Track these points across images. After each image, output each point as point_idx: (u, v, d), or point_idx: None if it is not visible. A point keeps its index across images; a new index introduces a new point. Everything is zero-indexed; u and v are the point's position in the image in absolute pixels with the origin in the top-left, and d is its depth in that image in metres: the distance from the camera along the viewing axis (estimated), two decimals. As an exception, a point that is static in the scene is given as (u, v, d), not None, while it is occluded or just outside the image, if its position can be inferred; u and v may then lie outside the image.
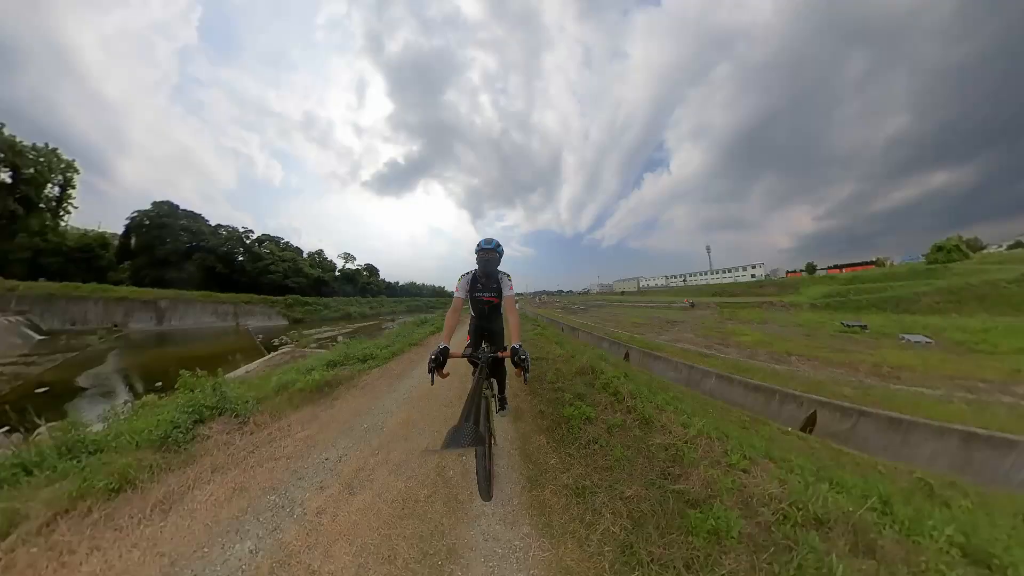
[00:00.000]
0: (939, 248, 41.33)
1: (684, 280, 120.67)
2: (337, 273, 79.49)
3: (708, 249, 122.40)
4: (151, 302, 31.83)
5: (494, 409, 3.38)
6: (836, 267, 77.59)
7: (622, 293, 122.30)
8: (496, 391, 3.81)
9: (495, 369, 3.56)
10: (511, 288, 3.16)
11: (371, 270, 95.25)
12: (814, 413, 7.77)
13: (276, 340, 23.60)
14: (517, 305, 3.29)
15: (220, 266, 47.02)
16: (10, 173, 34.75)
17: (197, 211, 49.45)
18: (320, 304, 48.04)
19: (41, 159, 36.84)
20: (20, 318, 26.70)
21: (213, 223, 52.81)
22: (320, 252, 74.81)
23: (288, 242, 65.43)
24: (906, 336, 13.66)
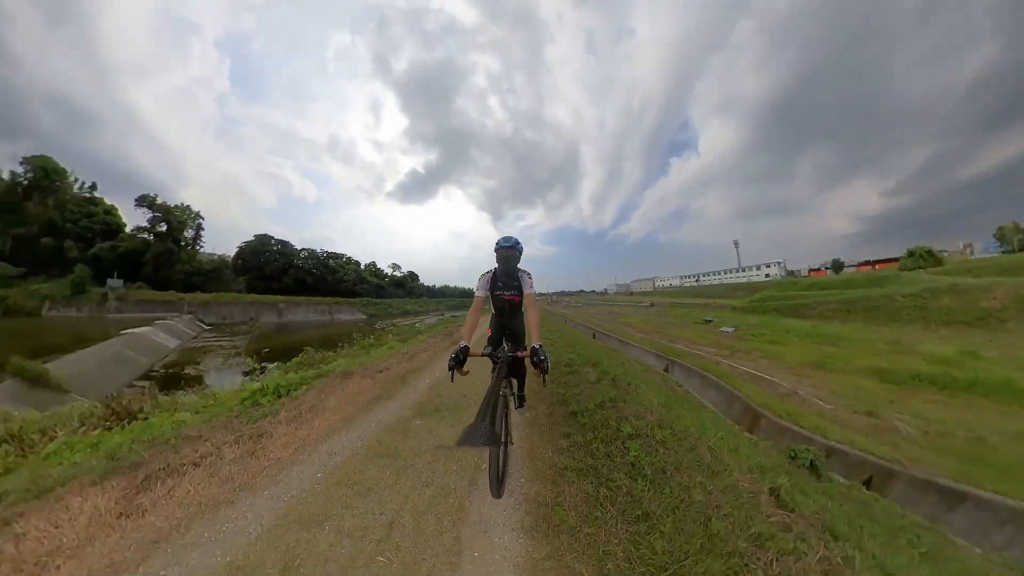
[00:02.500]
0: (910, 254, 40.38)
1: (697, 280, 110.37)
2: (385, 279, 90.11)
3: (736, 244, 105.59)
4: (273, 304, 42.16)
5: (512, 408, 3.27)
6: (867, 263, 64.66)
7: (631, 294, 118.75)
8: (515, 389, 3.70)
9: (514, 368, 3.36)
10: (532, 286, 2.97)
11: (413, 276, 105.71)
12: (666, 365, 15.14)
13: (377, 325, 32.52)
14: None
15: (309, 278, 58.03)
16: (166, 226, 47.87)
17: (244, 230, 61.20)
18: (385, 303, 58.39)
19: (182, 214, 49.67)
20: (191, 316, 37.13)
21: (284, 243, 64.34)
22: (373, 263, 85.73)
23: (349, 256, 76.20)
24: (724, 329, 19.22)
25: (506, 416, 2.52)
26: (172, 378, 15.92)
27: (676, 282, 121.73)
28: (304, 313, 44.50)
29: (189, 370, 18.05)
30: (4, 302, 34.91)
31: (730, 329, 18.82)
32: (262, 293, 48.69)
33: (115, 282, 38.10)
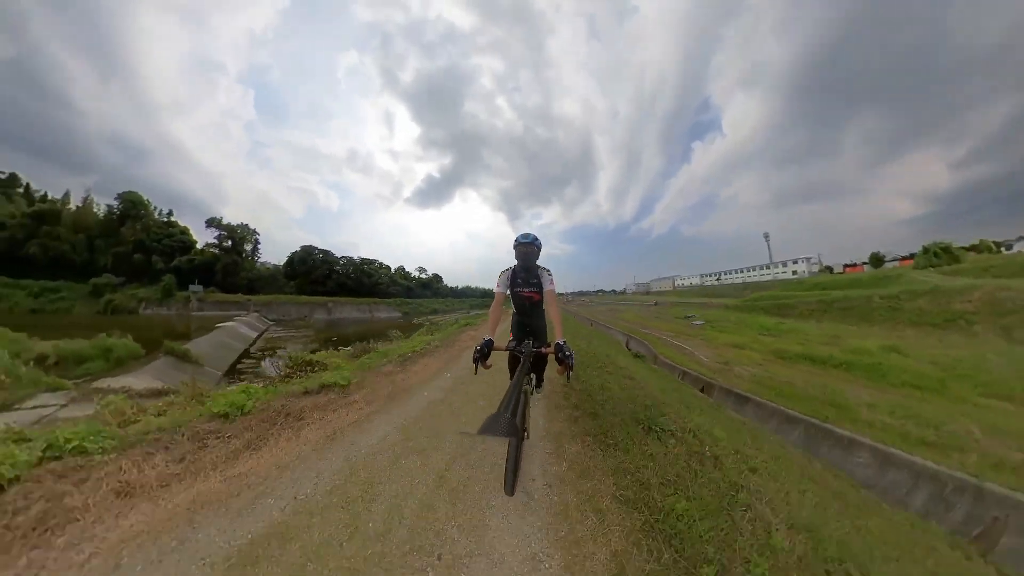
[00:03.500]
0: (925, 251, 36.87)
1: (718, 278, 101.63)
2: (413, 281, 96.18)
3: (766, 238, 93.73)
4: (323, 304, 48.15)
5: (531, 403, 3.20)
6: (908, 257, 49.73)
7: (647, 293, 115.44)
8: (535, 378, 3.64)
9: (537, 364, 3.39)
10: (552, 283, 2.92)
11: (437, 278, 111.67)
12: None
13: (415, 321, 37.42)
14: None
15: (348, 281, 64.39)
16: (231, 242, 55.49)
17: (275, 239, 70.05)
18: (416, 303, 64.09)
19: (243, 232, 57.59)
20: (257, 314, 43.22)
21: (326, 252, 71.08)
22: (402, 267, 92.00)
23: (381, 262, 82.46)
24: (695, 322, 22.29)
25: (525, 411, 2.45)
26: (274, 356, 20.94)
27: (696, 280, 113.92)
28: (349, 311, 50.32)
29: (281, 352, 23.12)
30: (112, 303, 42.15)
31: (700, 322, 22.31)
32: (311, 295, 54.99)
33: (196, 287, 44.91)
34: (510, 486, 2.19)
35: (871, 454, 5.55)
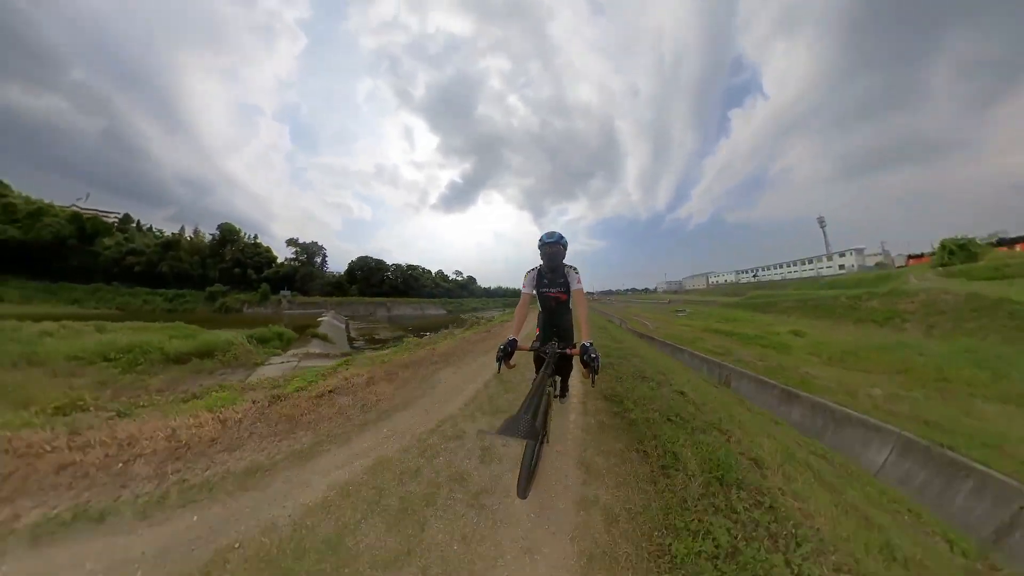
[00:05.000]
0: (943, 247, 34.18)
1: (755, 275, 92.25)
2: (451, 283, 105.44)
3: (822, 224, 77.60)
4: (383, 303, 57.28)
5: (553, 407, 3.16)
6: (1006, 243, 39.22)
7: (675, 292, 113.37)
8: (559, 382, 3.63)
9: (561, 366, 3.29)
10: (579, 282, 2.80)
11: (472, 280, 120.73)
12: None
13: (462, 316, 45.21)
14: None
15: (400, 285, 74.04)
16: (306, 256, 66.20)
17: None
18: (457, 302, 72.92)
19: (315, 248, 68.48)
20: (333, 312, 52.55)
21: (379, 261, 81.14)
22: (441, 271, 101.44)
23: (422, 267, 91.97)
24: (680, 313, 28.09)
25: (547, 414, 2.39)
26: (371, 339, 29.17)
27: (731, 277, 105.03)
28: (404, 309, 59.31)
29: (381, 335, 31.34)
30: (224, 304, 52.92)
31: (683, 313, 28.69)
32: (370, 296, 64.65)
33: (285, 292, 55.18)
34: (523, 489, 2.03)
35: (757, 386, 11.81)
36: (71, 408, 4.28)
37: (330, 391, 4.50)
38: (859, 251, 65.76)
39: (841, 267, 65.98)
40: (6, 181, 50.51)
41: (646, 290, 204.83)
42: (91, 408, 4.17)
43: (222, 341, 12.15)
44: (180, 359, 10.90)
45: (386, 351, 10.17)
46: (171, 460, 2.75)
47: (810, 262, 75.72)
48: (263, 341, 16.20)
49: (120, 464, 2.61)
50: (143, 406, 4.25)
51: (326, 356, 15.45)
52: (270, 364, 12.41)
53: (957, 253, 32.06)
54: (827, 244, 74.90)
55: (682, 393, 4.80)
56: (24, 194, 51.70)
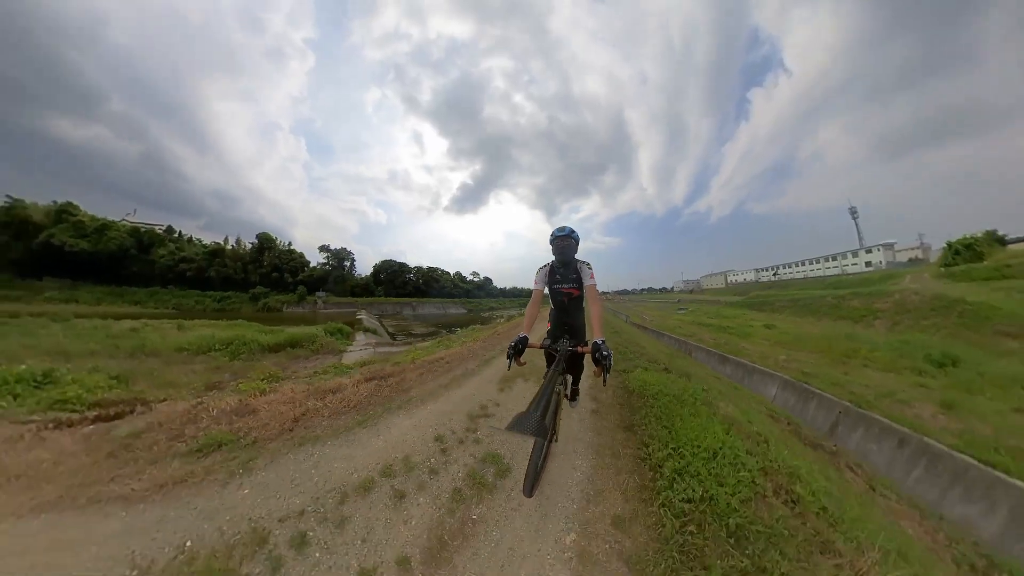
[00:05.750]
0: (948, 246, 33.31)
1: (775, 273, 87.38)
2: (468, 283, 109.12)
3: (853, 214, 72.53)
4: (408, 303, 61.19)
5: (564, 405, 3.11)
6: None
7: (690, 292, 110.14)
8: (570, 383, 3.54)
9: (573, 364, 3.21)
10: (592, 277, 2.74)
11: (488, 280, 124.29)
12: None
13: (483, 315, 48.38)
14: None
15: (422, 286, 78.06)
16: (337, 261, 70.76)
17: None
18: (476, 301, 76.53)
19: (344, 254, 72.93)
20: (365, 311, 56.61)
21: (402, 264, 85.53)
22: (459, 273, 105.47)
23: (442, 269, 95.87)
24: (681, 309, 30.48)
25: (556, 413, 2.35)
26: (408, 333, 32.52)
27: (751, 276, 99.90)
28: (428, 308, 63.10)
29: (416, 331, 34.69)
30: (266, 304, 57.72)
31: (683, 310, 31.01)
32: (396, 297, 68.71)
33: (321, 293, 59.77)
34: (529, 487, 2.07)
35: (706, 354, 14.43)
36: (213, 387, 7.05)
37: (440, 359, 7.42)
38: (888, 246, 60.64)
39: (868, 264, 60.56)
40: (75, 203, 56.49)
41: (663, 289, 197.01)
42: (225, 386, 6.96)
43: (307, 334, 15.33)
44: (275, 349, 14.05)
45: (427, 343, 13.04)
46: (342, 413, 3.95)
47: (834, 259, 70.30)
48: (331, 334, 18.26)
49: (326, 415, 3.88)
50: (282, 378, 7.09)
51: (391, 344, 18.66)
52: (351, 351, 15.59)
53: (962, 253, 31.49)
54: (860, 237, 67.48)
55: (656, 360, 7.54)
56: (90, 213, 57.69)
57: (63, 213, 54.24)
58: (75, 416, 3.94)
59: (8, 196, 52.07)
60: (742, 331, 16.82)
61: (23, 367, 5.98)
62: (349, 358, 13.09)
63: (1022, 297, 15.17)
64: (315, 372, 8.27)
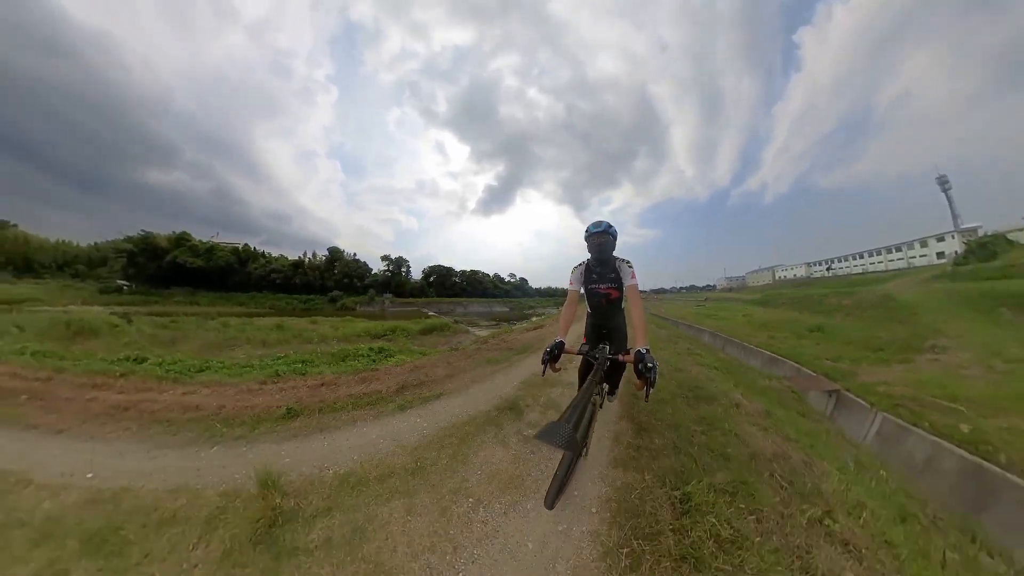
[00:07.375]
0: (966, 244, 33.60)
1: (829, 268, 76.36)
2: (507, 284, 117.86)
3: (943, 183, 58.28)
4: (459, 302, 70.34)
5: (597, 419, 2.73)
6: None
7: (730, 290, 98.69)
8: (605, 391, 3.15)
9: (612, 373, 2.93)
10: (633, 276, 2.51)
11: (524, 281, 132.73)
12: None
13: (525, 312, 56.35)
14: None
15: (467, 287, 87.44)
16: (396, 267, 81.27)
17: (373, 258, 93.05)
18: (516, 300, 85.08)
19: (401, 262, 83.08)
20: (429, 309, 65.99)
21: (449, 268, 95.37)
22: (497, 274, 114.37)
23: (482, 271, 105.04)
24: (701, 304, 35.94)
25: (590, 426, 2.20)
26: (473, 324, 41.02)
27: (802, 272, 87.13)
28: (476, 307, 72.01)
29: (481, 324, 43.16)
30: (343, 304, 68.64)
31: (705, 304, 37.20)
32: (444, 297, 78.23)
33: (387, 295, 70.12)
34: (551, 499, 1.92)
35: (686, 327, 21.93)
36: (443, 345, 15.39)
37: (534, 333, 15.28)
38: (971, 231, 44.88)
39: (941, 255, 48.51)
40: (188, 231, 70.63)
41: (707, 287, 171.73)
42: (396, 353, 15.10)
43: (441, 323, 23.74)
44: (423, 332, 22.44)
45: (515, 326, 20.78)
46: (483, 365, 11.59)
47: (898, 249, 58.49)
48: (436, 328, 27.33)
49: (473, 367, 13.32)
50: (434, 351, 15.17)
51: (496, 326, 26.84)
52: (473, 333, 24.05)
53: (976, 252, 30.71)
54: (954, 215, 52.38)
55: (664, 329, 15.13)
56: (197, 238, 71.59)
57: (181, 239, 68.25)
58: (433, 356, 12.17)
59: (143, 230, 67.27)
60: (724, 318, 24.15)
61: (362, 346, 14.31)
62: (475, 335, 21.28)
63: (938, 296, 21.38)
64: (474, 341, 16.37)
